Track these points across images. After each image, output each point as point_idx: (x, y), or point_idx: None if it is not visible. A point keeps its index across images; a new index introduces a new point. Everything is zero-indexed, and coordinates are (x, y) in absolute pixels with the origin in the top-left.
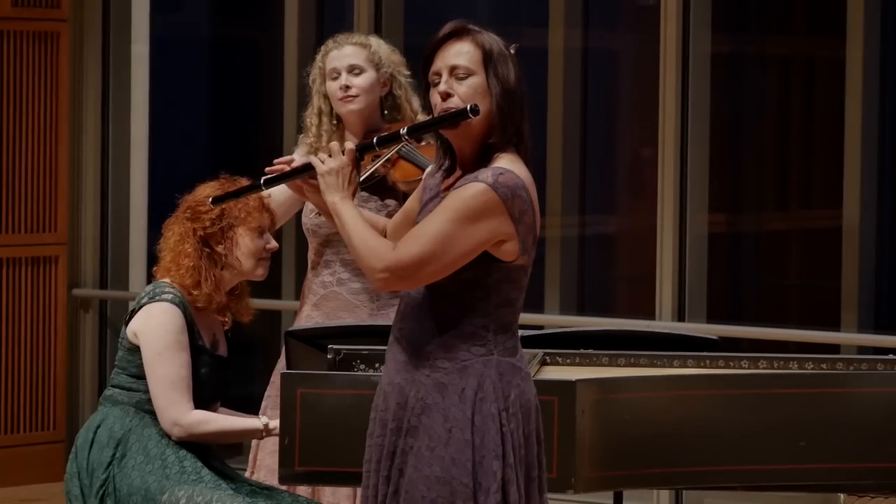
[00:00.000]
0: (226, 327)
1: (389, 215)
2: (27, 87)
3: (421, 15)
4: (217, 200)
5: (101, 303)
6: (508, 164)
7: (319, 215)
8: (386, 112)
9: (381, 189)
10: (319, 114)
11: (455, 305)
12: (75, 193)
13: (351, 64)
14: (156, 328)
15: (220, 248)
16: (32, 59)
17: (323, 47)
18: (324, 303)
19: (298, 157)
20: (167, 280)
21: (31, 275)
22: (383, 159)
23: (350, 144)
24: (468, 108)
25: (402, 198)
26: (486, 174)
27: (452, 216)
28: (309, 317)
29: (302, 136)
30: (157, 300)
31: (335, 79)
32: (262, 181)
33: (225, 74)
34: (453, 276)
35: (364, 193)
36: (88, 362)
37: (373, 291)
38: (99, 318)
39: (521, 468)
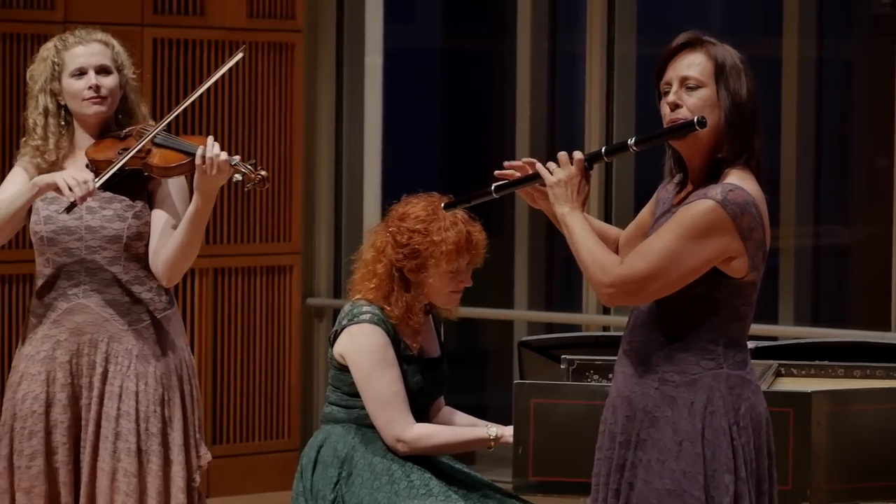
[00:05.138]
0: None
1: (136, 216)
2: (262, 97)
3: (654, 24)
4: (449, 206)
5: (335, 312)
6: (738, 179)
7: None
8: (121, 116)
9: (128, 188)
10: (46, 114)
11: (684, 320)
12: (310, 203)
13: (102, 63)
14: (359, 350)
15: (411, 276)
16: (267, 69)
17: (56, 41)
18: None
19: (18, 164)
20: (362, 298)
21: (265, 284)
22: (132, 152)
23: (578, 154)
24: (695, 120)
25: (147, 198)
26: (715, 191)
27: (680, 233)
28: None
29: (24, 138)
30: (357, 322)
31: (79, 77)
32: (492, 187)
33: (457, 85)
34: (682, 291)
35: (108, 194)
36: (322, 371)
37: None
38: (332, 327)
39: (752, 482)
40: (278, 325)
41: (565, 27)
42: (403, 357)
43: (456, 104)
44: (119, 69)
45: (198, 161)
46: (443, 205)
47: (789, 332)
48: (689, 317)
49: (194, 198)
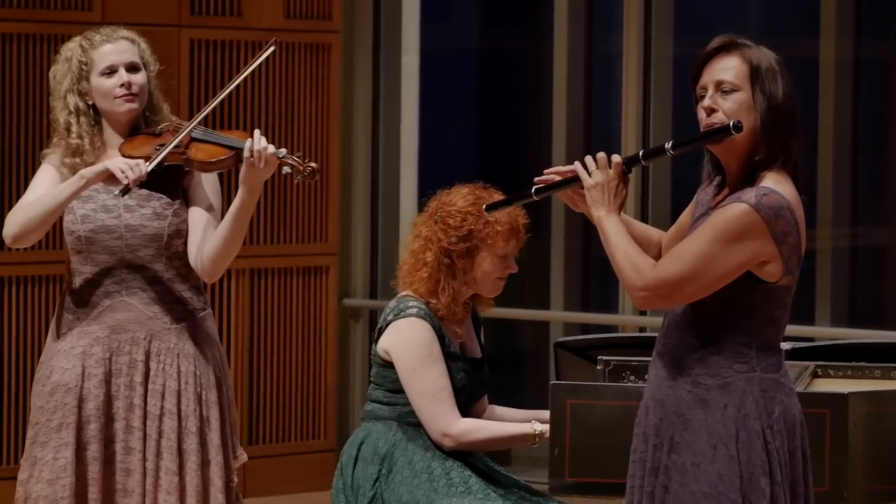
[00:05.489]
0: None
1: (175, 214)
2: (299, 98)
3: (691, 24)
4: (490, 208)
5: (371, 313)
6: (774, 183)
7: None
8: (148, 113)
9: (165, 185)
10: (77, 113)
11: (718, 323)
12: (346, 204)
13: (131, 61)
14: (406, 345)
15: (460, 263)
16: (304, 70)
17: (81, 41)
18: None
19: (48, 163)
20: (409, 293)
21: (302, 284)
22: (175, 141)
23: (617, 158)
24: (731, 124)
25: (182, 194)
26: (749, 194)
27: (714, 236)
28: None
29: (56, 139)
30: (403, 316)
31: (109, 75)
32: (532, 190)
33: (494, 85)
34: (716, 295)
35: (145, 191)
36: (359, 372)
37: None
38: (369, 328)
39: (786, 485)
40: (314, 326)
41: (602, 27)
42: (448, 354)
43: (492, 104)
44: (145, 66)
45: (245, 154)
46: (484, 206)
47: (826, 333)
48: (722, 320)
49: (239, 192)
